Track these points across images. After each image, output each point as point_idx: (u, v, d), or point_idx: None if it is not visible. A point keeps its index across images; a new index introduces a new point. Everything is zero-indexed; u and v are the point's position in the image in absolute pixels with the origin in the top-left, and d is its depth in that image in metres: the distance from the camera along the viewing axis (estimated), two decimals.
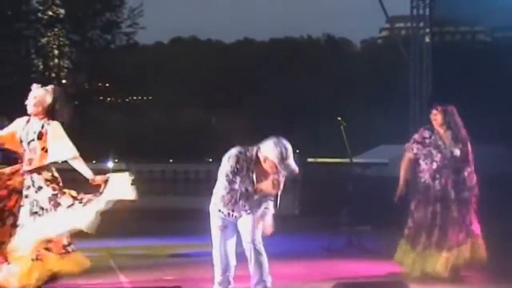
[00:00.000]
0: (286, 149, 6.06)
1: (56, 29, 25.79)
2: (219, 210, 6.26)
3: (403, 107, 14.81)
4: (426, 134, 7.95)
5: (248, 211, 6.22)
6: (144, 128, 49.96)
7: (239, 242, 6.43)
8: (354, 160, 11.25)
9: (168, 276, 7.97)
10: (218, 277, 6.34)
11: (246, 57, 65.93)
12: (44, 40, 25.92)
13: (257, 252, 6.26)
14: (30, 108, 6.89)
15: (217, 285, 6.37)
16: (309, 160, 13.96)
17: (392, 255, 8.39)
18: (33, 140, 6.78)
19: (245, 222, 6.26)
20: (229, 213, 6.25)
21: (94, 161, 17.77)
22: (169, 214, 14.52)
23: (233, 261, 6.37)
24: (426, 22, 14.67)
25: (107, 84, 31.83)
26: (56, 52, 26.14)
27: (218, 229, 6.30)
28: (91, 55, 26.24)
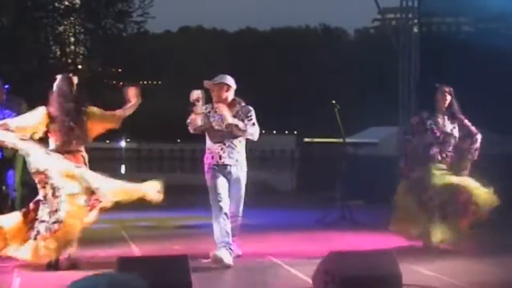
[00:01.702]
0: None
1: (72, 18, 25.69)
2: (211, 163, 7.00)
3: (392, 92, 14.82)
4: (425, 115, 7.98)
5: (236, 162, 6.98)
6: (154, 110, 49.98)
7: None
8: (347, 140, 11.28)
9: (176, 246, 8.04)
10: (216, 216, 6.92)
11: (249, 45, 65.72)
12: (61, 28, 25.82)
13: (238, 220, 7.03)
14: None
15: (215, 224, 6.94)
16: (306, 140, 14.01)
17: (382, 228, 8.40)
18: None
19: (235, 192, 7.00)
20: (217, 162, 6.97)
21: (107, 141, 17.81)
22: (177, 189, 14.57)
23: (227, 207, 6.93)
24: (414, 13, 14.65)
25: (120, 70, 31.77)
26: (72, 39, 26.05)
27: (211, 179, 6.99)
28: (105, 43, 26.16)
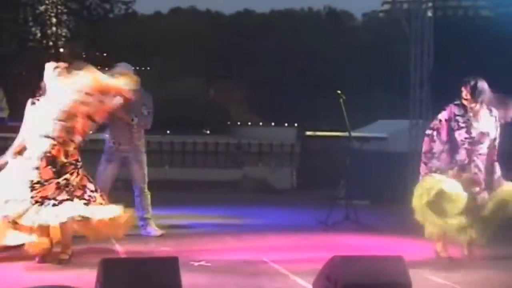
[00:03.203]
0: None
1: None
2: (111, 146, 8.54)
3: (403, 82, 14.80)
4: (456, 111, 7.49)
5: (137, 146, 8.53)
6: None
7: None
8: (353, 134, 11.25)
9: (165, 247, 8.00)
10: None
11: (246, 29, 65.68)
12: (42, 8, 25.81)
13: (145, 193, 8.54)
14: None
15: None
16: (308, 133, 13.99)
17: (389, 230, 8.32)
18: None
19: (139, 170, 8.54)
20: (117, 148, 8.49)
21: (90, 132, 17.76)
22: (165, 185, 14.55)
23: (108, 185, 8.37)
24: None
25: (105, 54, 31.75)
26: (54, 20, 26.04)
27: (105, 160, 8.53)
28: (89, 24, 26.13)
